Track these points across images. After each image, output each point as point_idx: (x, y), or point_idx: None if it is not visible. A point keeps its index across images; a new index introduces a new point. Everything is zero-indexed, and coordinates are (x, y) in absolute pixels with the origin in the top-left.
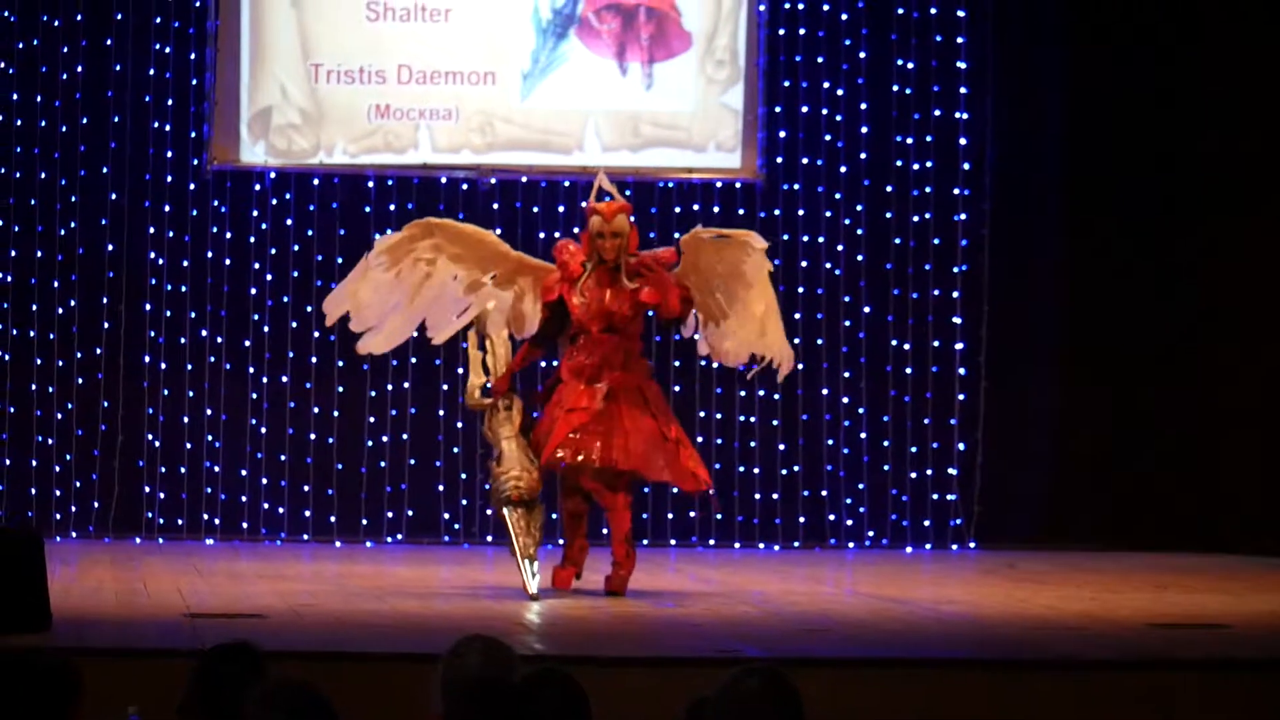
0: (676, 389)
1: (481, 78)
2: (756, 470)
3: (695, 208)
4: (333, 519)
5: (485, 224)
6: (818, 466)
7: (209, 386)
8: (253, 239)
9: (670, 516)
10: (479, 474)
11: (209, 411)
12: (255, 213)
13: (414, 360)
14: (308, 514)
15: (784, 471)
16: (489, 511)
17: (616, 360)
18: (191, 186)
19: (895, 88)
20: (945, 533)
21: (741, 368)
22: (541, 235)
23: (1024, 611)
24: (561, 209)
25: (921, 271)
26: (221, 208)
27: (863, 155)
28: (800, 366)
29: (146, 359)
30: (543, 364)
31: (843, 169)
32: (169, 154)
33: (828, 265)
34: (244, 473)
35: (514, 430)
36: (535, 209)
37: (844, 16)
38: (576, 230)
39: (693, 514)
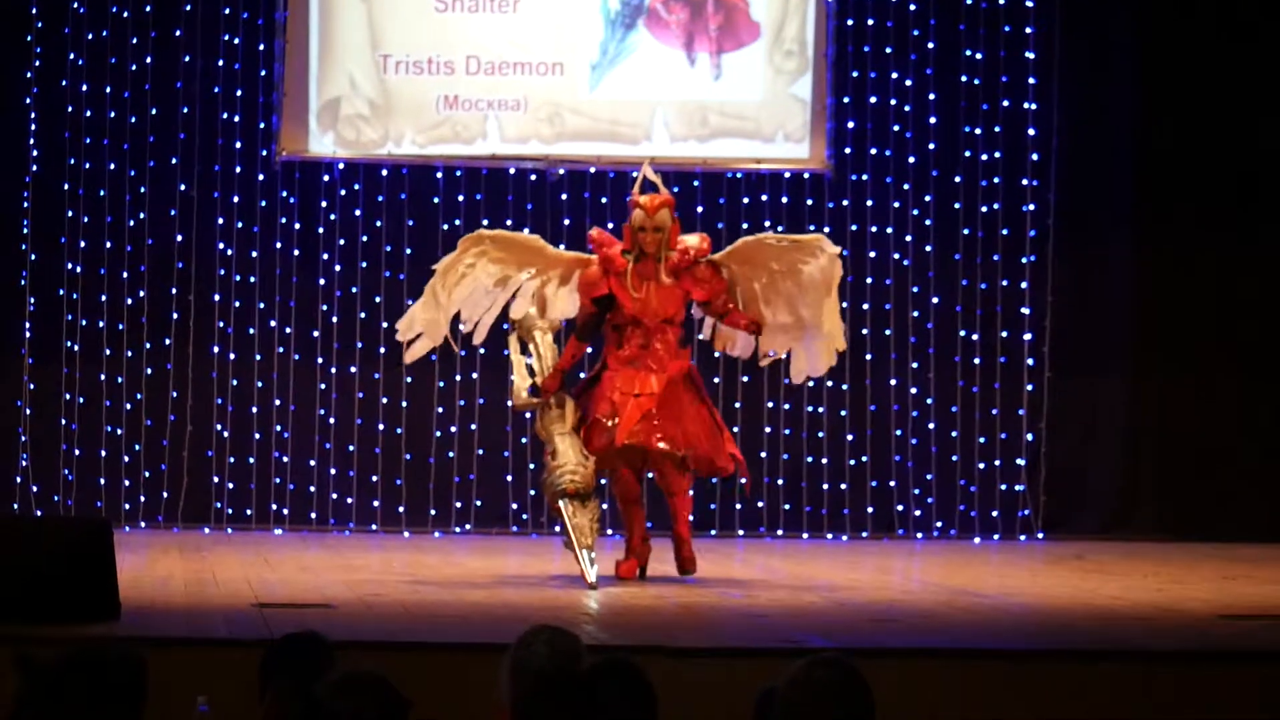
0: (744, 379)
1: (550, 68)
2: (825, 461)
3: (763, 198)
4: (401, 509)
5: (553, 215)
6: (886, 457)
7: (277, 377)
8: (321, 230)
9: (738, 507)
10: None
11: (278, 402)
12: (324, 204)
13: (483, 351)
14: (376, 504)
15: (852, 462)
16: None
17: (668, 349)
18: (260, 177)
19: (963, 78)
20: (1013, 523)
21: (772, 353)
22: (610, 225)
23: (1091, 602)
24: (629, 200)
25: (990, 262)
26: (290, 199)
27: (931, 146)
28: (869, 357)
29: (215, 350)
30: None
31: (911, 159)
32: (238, 145)
33: (896, 256)
34: (312, 463)
35: (567, 427)
36: (603, 199)
37: (912, 7)
38: None
39: (761, 504)
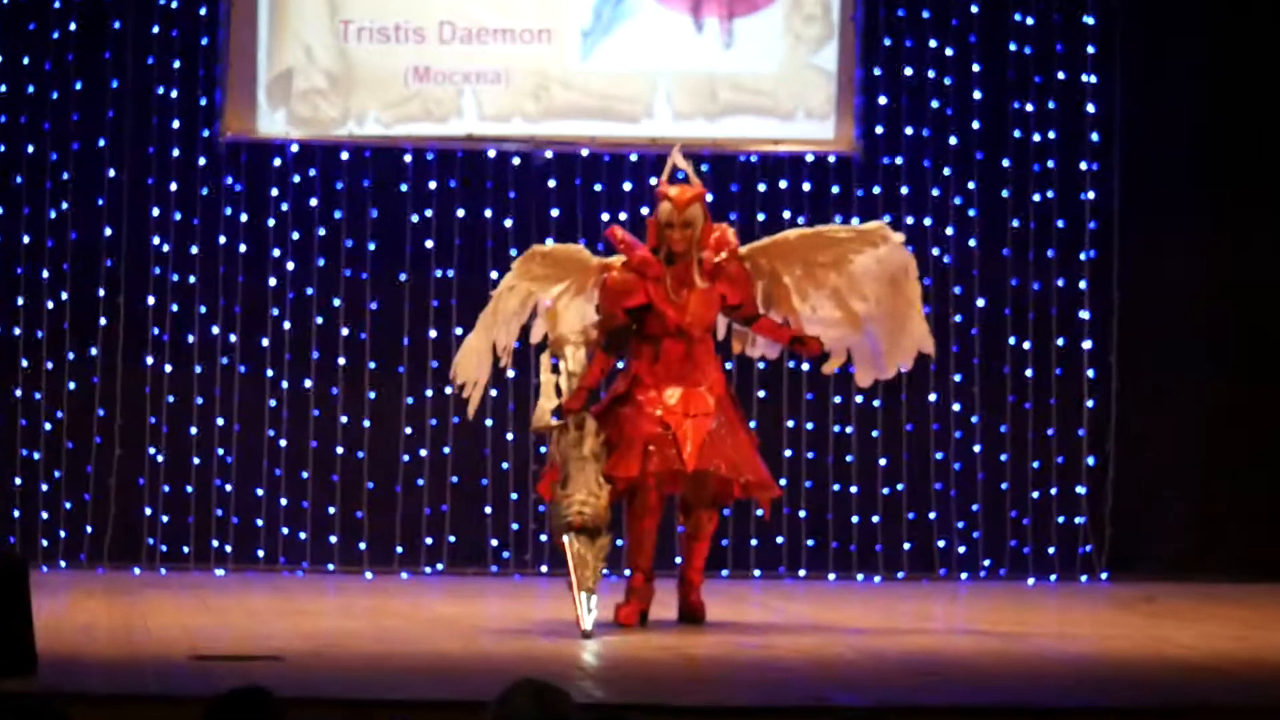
0: (761, 395)
1: (535, 35)
2: (854, 489)
3: (781, 184)
4: (363, 546)
5: (539, 205)
6: (924, 484)
7: (220, 393)
8: (272, 222)
9: (754, 543)
10: (531, 494)
11: (220, 421)
12: (275, 191)
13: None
14: (334, 540)
15: (885, 490)
16: (543, 538)
17: (709, 364)
18: (201, 161)
19: (1012, 46)
20: (1072, 561)
21: (837, 370)
22: (605, 216)
23: (1162, 653)
24: (628, 186)
25: (1044, 259)
26: (236, 185)
27: (975, 124)
28: (904, 369)
29: (149, 360)
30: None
31: (952, 140)
32: (175, 124)
33: (935, 251)
34: (260, 493)
35: (585, 451)
36: (597, 186)
37: None
38: (646, 211)
39: (780, 539)
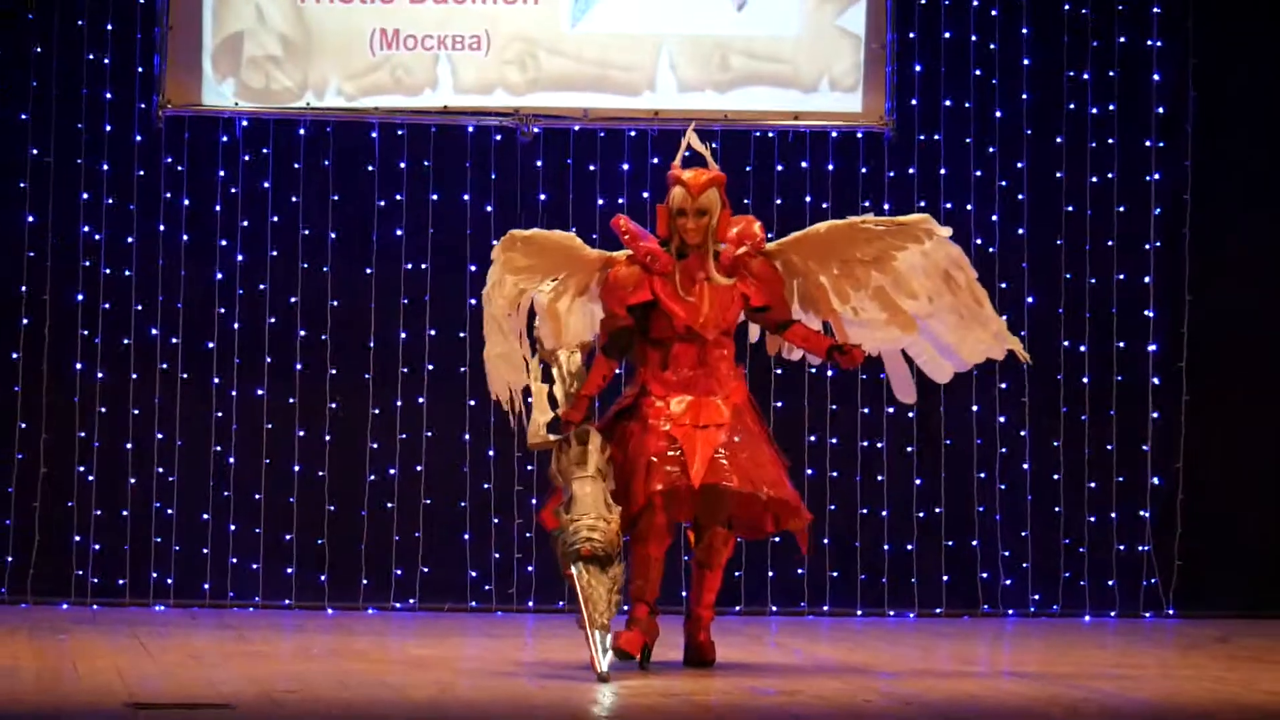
0: (778, 405)
1: None
2: (884, 513)
3: (802, 165)
4: (323, 579)
5: (525, 188)
6: (966, 508)
7: (161, 402)
8: (218, 208)
9: (771, 575)
10: (517, 519)
11: (160, 436)
12: (222, 173)
13: (430, 368)
14: (289, 572)
15: (921, 514)
16: (530, 569)
17: (729, 368)
18: (138, 139)
19: (1066, 6)
20: (1135, 596)
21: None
22: (600, 202)
23: (1237, 700)
24: (626, 167)
25: (1102, 249)
26: (178, 166)
27: (1023, 96)
28: (994, 357)
29: (78, 366)
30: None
31: (997, 114)
32: (108, 96)
33: (978, 241)
34: (206, 517)
35: (590, 469)
36: (591, 167)
37: None
38: (647, 196)
39: (800, 571)
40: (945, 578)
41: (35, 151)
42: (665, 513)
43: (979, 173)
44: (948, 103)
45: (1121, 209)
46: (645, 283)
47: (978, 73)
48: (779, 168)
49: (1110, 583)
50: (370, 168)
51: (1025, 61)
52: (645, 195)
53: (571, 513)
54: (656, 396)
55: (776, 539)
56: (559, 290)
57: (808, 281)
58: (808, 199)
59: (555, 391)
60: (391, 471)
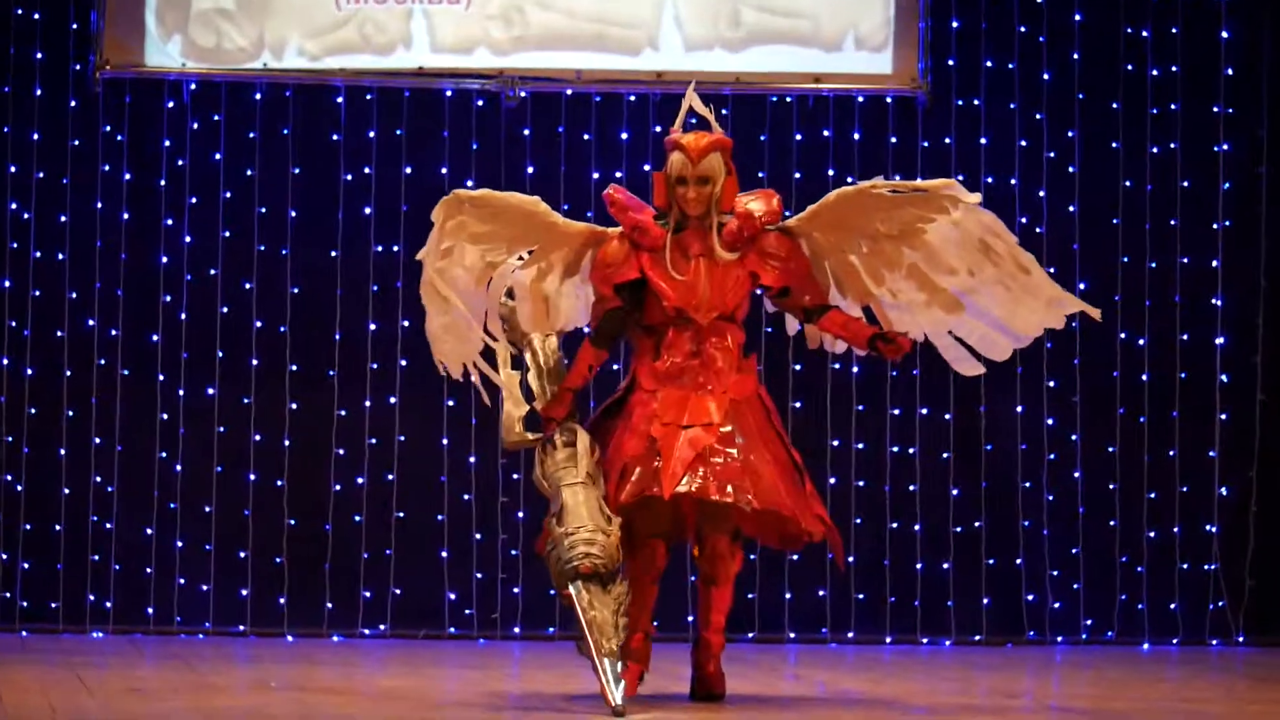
0: (796, 405)
1: None
2: (917, 528)
3: (825, 134)
4: (282, 601)
5: (511, 160)
6: (1009, 523)
7: (98, 403)
8: (163, 182)
9: (789, 597)
10: (502, 534)
11: (98, 441)
12: (168, 143)
13: (404, 364)
14: (244, 594)
15: (958, 530)
16: (516, 590)
17: (730, 359)
18: (73, 104)
19: None
20: (1201, 621)
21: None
22: (596, 176)
23: None
24: (624, 136)
25: (1164, 229)
26: (117, 135)
27: (1075, 56)
28: (983, 373)
29: (4, 361)
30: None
31: (1045, 76)
32: (38, 56)
33: (1023, 220)
34: (150, 532)
35: (581, 474)
36: (586, 136)
37: None
38: (648, 168)
39: (822, 592)
40: (985, 601)
41: None
42: (641, 526)
43: (1024, 143)
44: (989, 63)
45: (1186, 184)
46: (633, 259)
47: (1023, 29)
48: (798, 137)
49: (1172, 606)
50: (335, 137)
51: (1077, 16)
52: (646, 167)
53: (565, 525)
54: (645, 390)
55: (795, 556)
56: (543, 269)
57: (838, 262)
58: (830, 172)
59: (530, 381)
60: (359, 481)
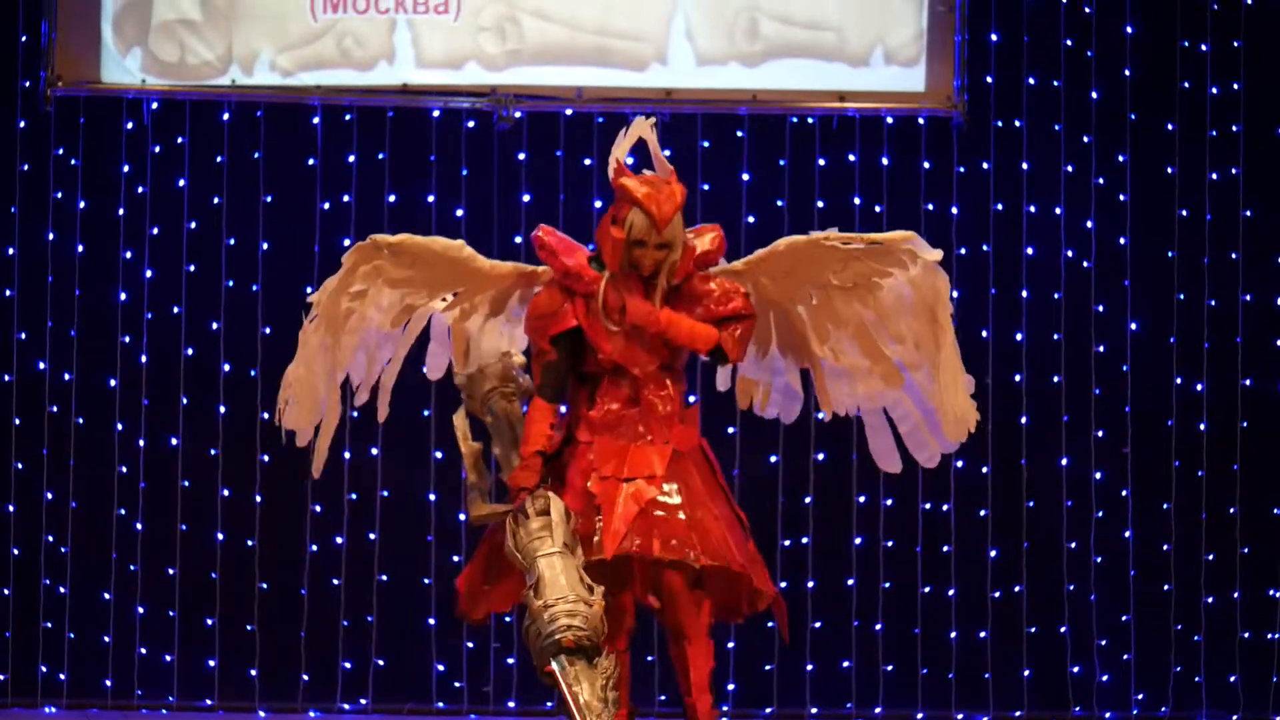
0: (819, 458)
1: None
2: (951, 592)
3: (850, 158)
4: (253, 672)
5: (505, 185)
6: (1052, 585)
7: (49, 454)
8: (122, 211)
9: (810, 668)
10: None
11: (49, 496)
12: (126, 168)
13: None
14: (212, 664)
15: (995, 595)
16: (510, 660)
17: (669, 408)
18: (21, 124)
19: None
20: (1263, 694)
21: (819, 415)
22: (598, 204)
23: None
24: (630, 161)
25: (1224, 263)
26: (71, 159)
27: (1126, 73)
28: (1023, 421)
29: None
30: None
31: (1094, 95)
32: None
33: (1069, 254)
34: (108, 597)
35: (558, 544)
36: (587, 160)
37: None
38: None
39: (847, 663)
40: (1027, 672)
41: None
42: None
43: (1070, 168)
44: (1031, 80)
45: (1248, 214)
46: (568, 308)
47: (1069, 43)
48: (821, 161)
49: (1232, 678)
50: (311, 161)
51: (1129, 29)
52: None
53: (543, 597)
54: (584, 443)
55: (817, 624)
56: (465, 309)
57: (782, 315)
58: (856, 200)
59: (494, 450)
60: (338, 540)
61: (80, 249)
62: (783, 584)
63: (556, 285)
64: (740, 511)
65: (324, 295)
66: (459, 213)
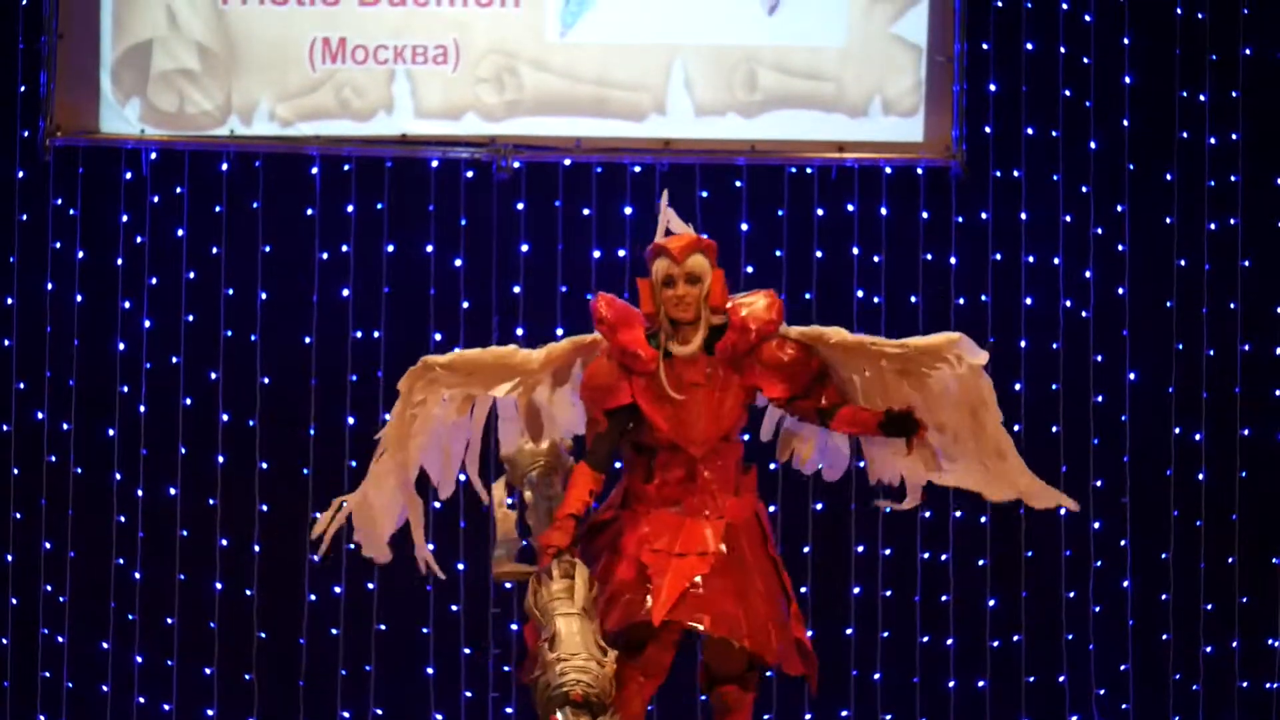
0: (817, 508)
1: None
2: (950, 642)
3: (849, 208)
4: None
5: (503, 235)
6: (1050, 634)
7: (47, 504)
8: (120, 261)
9: (809, 717)
10: (493, 649)
11: (48, 546)
12: (125, 217)
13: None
14: (210, 714)
15: (994, 644)
16: (509, 710)
17: (726, 480)
18: (20, 175)
19: (1179, 9)
20: None
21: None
22: (597, 255)
23: None
24: (628, 211)
25: (1223, 313)
26: (70, 209)
27: (1125, 123)
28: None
29: None
30: None
31: (1092, 145)
32: None
33: (1067, 304)
34: (105, 646)
35: (577, 605)
36: (586, 210)
37: None
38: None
39: (845, 713)
40: None
41: None
42: (626, 656)
43: (1069, 217)
44: (1030, 130)
45: (1247, 263)
46: (625, 383)
47: (1068, 93)
48: (819, 212)
49: None
50: (310, 211)
51: (1127, 79)
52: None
53: (557, 650)
54: (638, 514)
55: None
56: (529, 385)
57: (840, 378)
58: (855, 251)
59: (528, 518)
60: (337, 590)
61: (79, 299)
62: None
63: (613, 360)
64: (787, 581)
65: (389, 426)
66: (457, 263)
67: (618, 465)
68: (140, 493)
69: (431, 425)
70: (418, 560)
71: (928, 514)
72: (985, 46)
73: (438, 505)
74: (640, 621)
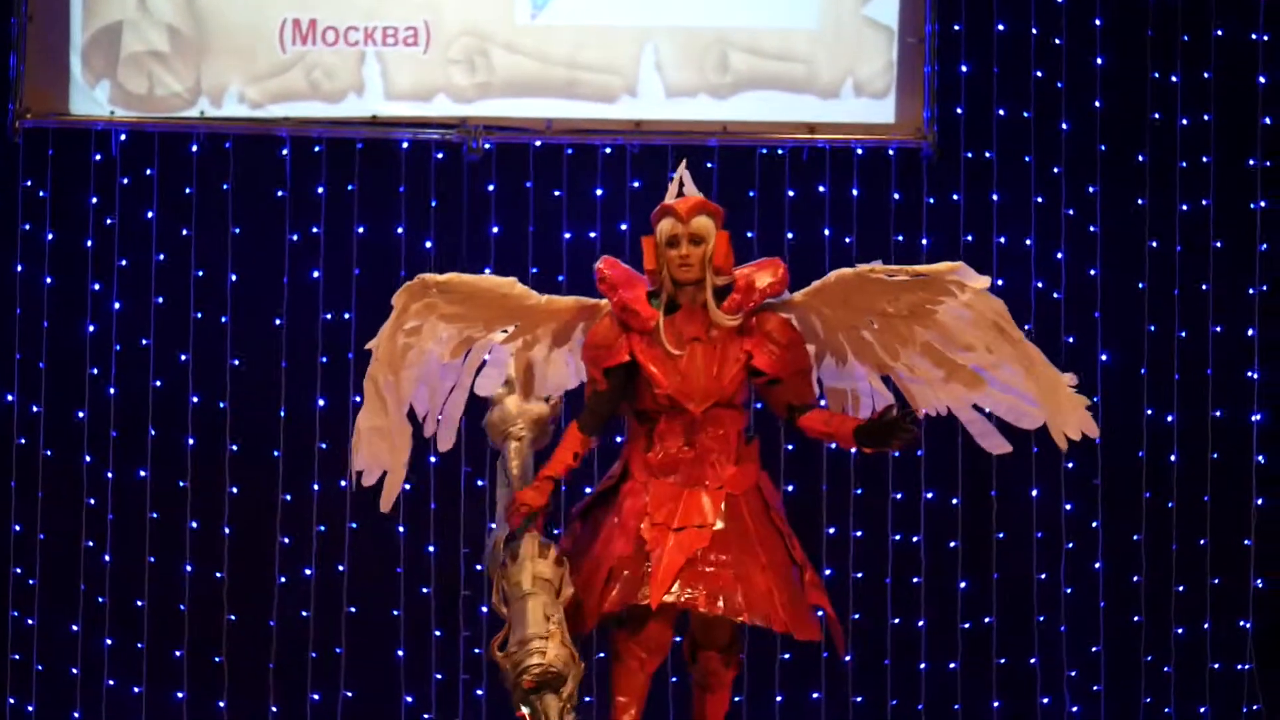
0: (789, 489)
1: None
2: (921, 623)
3: (820, 189)
4: (222, 705)
5: (474, 217)
6: (1022, 617)
7: (16, 486)
8: (90, 243)
9: (779, 699)
10: (464, 630)
11: (17, 528)
12: (94, 200)
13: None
14: (181, 696)
15: (965, 625)
16: (479, 692)
17: (727, 449)
18: None
19: None
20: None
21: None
22: (568, 236)
23: None
24: (599, 192)
25: (1195, 294)
26: (39, 191)
27: (1096, 104)
28: (1009, 451)
29: None
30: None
31: (1064, 126)
32: None
33: (1039, 285)
34: (75, 629)
35: (527, 584)
36: (556, 192)
37: None
38: (625, 228)
39: (816, 695)
40: (996, 703)
41: None
42: (631, 636)
43: (1040, 199)
44: (1001, 111)
45: (1219, 244)
46: (624, 341)
47: (1039, 74)
48: (790, 193)
49: (1202, 710)
50: (280, 193)
51: (1099, 60)
52: (623, 227)
53: (510, 643)
54: (638, 483)
55: (786, 655)
56: (528, 340)
57: (850, 336)
58: (826, 232)
59: (511, 469)
60: (307, 572)
61: (49, 281)
62: None
63: (613, 318)
64: (796, 546)
65: (380, 339)
66: (428, 244)
67: (618, 439)
68: (110, 475)
69: (425, 360)
70: (385, 490)
71: (899, 496)
72: (956, 28)
73: (407, 487)
74: (639, 604)
